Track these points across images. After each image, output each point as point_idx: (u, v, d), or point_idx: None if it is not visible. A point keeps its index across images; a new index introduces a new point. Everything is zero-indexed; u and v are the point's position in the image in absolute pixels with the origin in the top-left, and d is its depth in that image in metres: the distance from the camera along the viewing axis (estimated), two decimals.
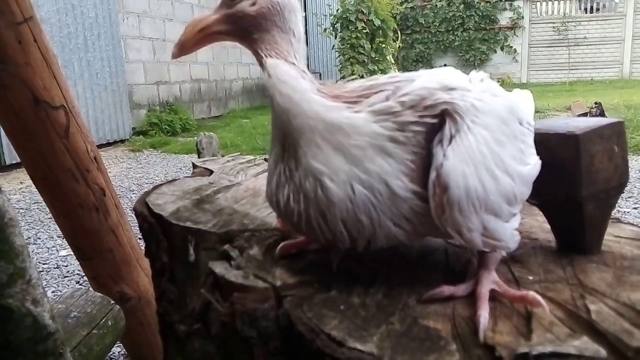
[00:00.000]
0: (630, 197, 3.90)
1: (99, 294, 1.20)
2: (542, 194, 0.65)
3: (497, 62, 15.98)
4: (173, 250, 0.71)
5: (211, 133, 1.34)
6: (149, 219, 0.74)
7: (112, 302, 1.14)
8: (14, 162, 5.12)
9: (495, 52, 15.93)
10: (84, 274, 2.03)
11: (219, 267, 0.58)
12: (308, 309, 0.50)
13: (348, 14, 9.94)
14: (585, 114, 7.30)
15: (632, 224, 0.82)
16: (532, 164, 0.62)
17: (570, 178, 0.64)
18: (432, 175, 0.55)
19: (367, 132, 0.55)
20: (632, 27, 14.84)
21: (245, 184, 0.93)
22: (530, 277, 0.60)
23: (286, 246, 0.66)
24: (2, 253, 0.69)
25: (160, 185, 0.89)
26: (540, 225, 0.79)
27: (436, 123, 0.57)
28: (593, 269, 0.62)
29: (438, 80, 0.60)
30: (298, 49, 0.63)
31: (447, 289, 0.56)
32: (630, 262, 0.64)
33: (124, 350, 1.92)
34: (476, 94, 0.59)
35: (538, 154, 0.65)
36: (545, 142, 0.66)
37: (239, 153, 1.09)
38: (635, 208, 3.70)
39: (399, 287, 0.57)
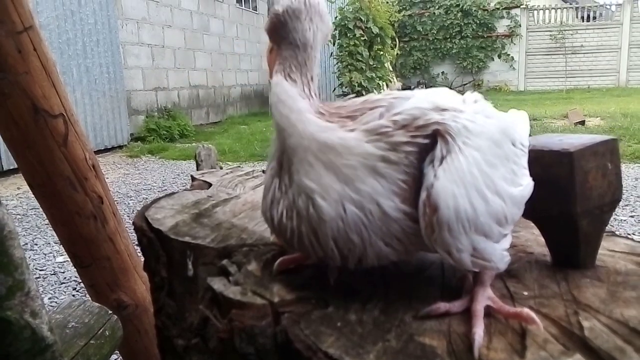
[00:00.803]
0: (627, 206, 3.91)
1: (97, 304, 1.20)
2: (536, 210, 0.66)
3: (494, 69, 16.06)
4: (172, 264, 0.71)
5: (210, 145, 1.35)
6: (148, 233, 0.74)
7: (110, 312, 1.14)
8: (11, 167, 5.12)
9: (493, 59, 16.03)
10: (80, 281, 2.03)
11: (218, 284, 0.59)
12: (305, 325, 0.51)
13: (346, 21, 9.99)
14: (582, 122, 7.34)
15: (627, 237, 0.83)
16: (525, 185, 0.63)
17: (565, 195, 0.65)
18: (423, 195, 0.55)
19: (359, 152, 0.56)
20: (628, 35, 14.95)
21: (244, 197, 0.94)
22: (525, 293, 0.61)
23: (284, 261, 0.66)
24: (1, 265, 0.69)
25: (159, 199, 0.89)
26: (535, 239, 0.80)
27: (428, 143, 0.57)
28: (587, 285, 0.63)
29: (431, 100, 0.60)
30: (303, 60, 0.62)
31: (443, 306, 0.57)
32: (624, 278, 0.65)
33: (121, 358, 1.92)
34: (469, 115, 0.60)
35: (532, 170, 0.66)
36: (539, 159, 0.67)
37: (237, 165, 1.10)
38: (632, 216, 3.71)
39: (395, 302, 0.58)
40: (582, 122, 7.35)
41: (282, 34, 0.63)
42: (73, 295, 2.77)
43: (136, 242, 2.65)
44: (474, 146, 0.57)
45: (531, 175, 0.65)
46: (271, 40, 0.65)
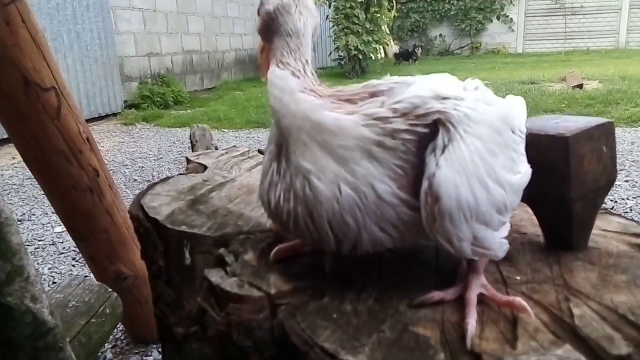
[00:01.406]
0: (621, 170, 3.92)
1: (97, 282, 1.22)
2: (531, 192, 0.66)
3: (492, 31, 15.81)
4: (169, 253, 0.72)
5: (204, 125, 1.33)
6: (144, 222, 0.74)
7: (110, 289, 1.16)
8: (5, 137, 5.08)
9: (491, 21, 15.75)
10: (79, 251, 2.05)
11: (215, 276, 0.59)
12: (302, 319, 0.52)
13: None
14: (580, 86, 7.28)
15: (621, 216, 0.83)
16: (523, 172, 0.63)
17: (560, 179, 0.65)
18: (425, 184, 0.55)
19: (354, 134, 0.56)
20: None
21: (240, 180, 0.94)
22: (518, 277, 0.62)
23: (280, 250, 0.67)
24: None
25: (155, 184, 0.89)
26: (529, 218, 0.81)
27: (428, 132, 0.57)
28: (579, 268, 0.64)
29: (432, 88, 0.60)
30: (295, 47, 0.63)
31: (436, 294, 0.58)
32: (616, 260, 0.66)
33: (122, 326, 1.96)
34: (469, 103, 0.59)
35: (528, 153, 0.66)
36: (535, 143, 0.67)
37: (232, 145, 1.09)
38: (626, 181, 3.73)
39: (390, 290, 0.59)
40: (580, 86, 7.29)
41: (274, 29, 0.64)
42: (72, 266, 2.80)
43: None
44: (476, 134, 0.57)
45: (527, 158, 0.65)
46: (263, 39, 0.66)
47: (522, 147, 0.65)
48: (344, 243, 0.59)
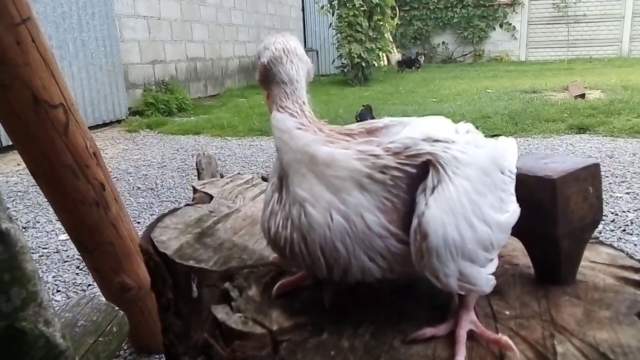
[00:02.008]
0: (623, 182, 3.92)
1: (104, 300, 1.25)
2: (521, 229, 0.69)
3: (495, 39, 15.85)
4: (177, 286, 0.76)
5: (210, 153, 1.37)
6: (154, 257, 0.78)
7: (117, 308, 1.19)
8: (10, 143, 5.12)
9: (494, 29, 15.79)
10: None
11: (221, 312, 0.63)
12: (302, 355, 0.55)
13: None
14: (582, 95, 7.30)
15: (610, 246, 0.86)
16: (511, 212, 0.67)
17: (547, 217, 0.69)
18: (415, 222, 0.59)
19: (346, 166, 0.61)
20: (632, 4, 14.69)
21: (244, 210, 0.98)
22: (507, 312, 0.65)
23: (282, 285, 0.71)
24: (15, 279, 0.74)
25: (164, 216, 0.93)
26: (522, 248, 0.83)
27: (419, 172, 0.61)
28: (565, 303, 0.67)
29: (424, 131, 0.64)
30: (291, 92, 0.68)
31: (428, 331, 0.61)
32: (601, 295, 0.69)
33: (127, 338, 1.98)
34: (460, 146, 0.63)
35: (518, 192, 0.69)
36: (525, 182, 0.70)
37: (237, 173, 1.13)
38: (627, 193, 3.72)
39: (385, 325, 0.62)
40: (583, 95, 7.31)
41: (270, 79, 0.70)
42: (76, 274, 2.82)
43: (138, 227, 2.68)
44: (464, 176, 0.61)
45: (517, 196, 0.69)
46: (264, 88, 0.72)
47: (511, 187, 0.69)
48: (334, 269, 0.62)
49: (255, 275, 0.73)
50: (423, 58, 13.47)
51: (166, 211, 0.94)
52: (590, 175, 0.71)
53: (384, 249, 0.61)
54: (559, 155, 0.75)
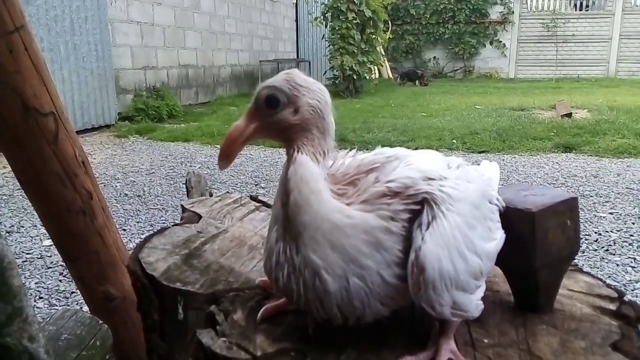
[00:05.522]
0: (607, 202, 3.97)
1: (88, 314, 1.24)
2: (501, 259, 0.71)
3: (485, 56, 16.08)
4: (164, 308, 0.76)
5: (200, 172, 1.38)
6: (142, 279, 0.79)
7: (100, 322, 1.19)
8: None
9: (485, 46, 16.02)
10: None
11: (206, 337, 0.63)
12: None
13: (339, 4, 9.90)
14: (569, 114, 7.41)
15: (589, 274, 0.88)
16: (498, 238, 0.70)
17: (526, 249, 0.71)
18: (412, 256, 0.62)
19: (364, 228, 0.62)
20: (619, 25, 15.00)
21: (232, 230, 0.99)
22: (486, 340, 0.67)
23: (267, 310, 0.72)
24: (1, 295, 0.73)
25: (151, 236, 0.94)
26: (502, 274, 0.85)
27: (417, 209, 0.64)
28: (542, 332, 0.69)
29: (420, 169, 0.67)
30: (328, 145, 0.67)
31: (409, 359, 0.63)
32: (577, 324, 0.71)
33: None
34: (452, 183, 0.67)
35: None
36: (505, 214, 0.73)
37: (226, 192, 1.13)
38: (611, 213, 3.77)
39: (367, 352, 0.63)
40: (569, 115, 7.42)
41: (304, 122, 0.66)
42: (60, 281, 2.79)
43: (125, 236, 2.65)
44: (457, 211, 0.64)
45: None
46: (295, 131, 0.66)
47: (497, 214, 0.72)
48: (349, 319, 0.65)
49: (241, 298, 0.74)
50: (413, 71, 13.59)
51: (154, 231, 0.95)
52: (569, 208, 0.73)
53: (394, 292, 0.63)
54: (539, 187, 0.77)
